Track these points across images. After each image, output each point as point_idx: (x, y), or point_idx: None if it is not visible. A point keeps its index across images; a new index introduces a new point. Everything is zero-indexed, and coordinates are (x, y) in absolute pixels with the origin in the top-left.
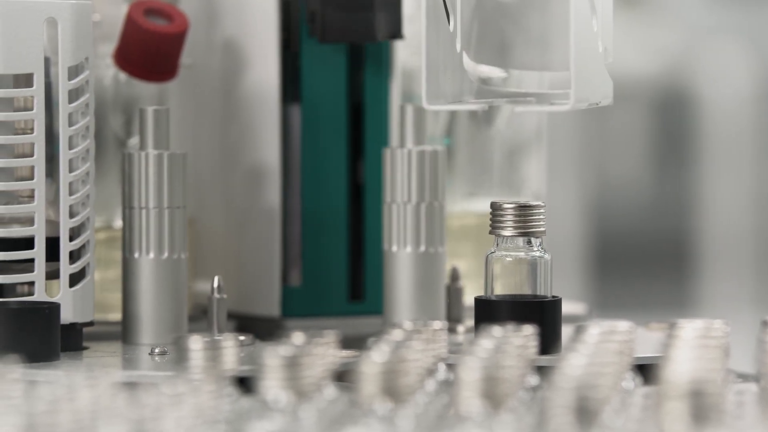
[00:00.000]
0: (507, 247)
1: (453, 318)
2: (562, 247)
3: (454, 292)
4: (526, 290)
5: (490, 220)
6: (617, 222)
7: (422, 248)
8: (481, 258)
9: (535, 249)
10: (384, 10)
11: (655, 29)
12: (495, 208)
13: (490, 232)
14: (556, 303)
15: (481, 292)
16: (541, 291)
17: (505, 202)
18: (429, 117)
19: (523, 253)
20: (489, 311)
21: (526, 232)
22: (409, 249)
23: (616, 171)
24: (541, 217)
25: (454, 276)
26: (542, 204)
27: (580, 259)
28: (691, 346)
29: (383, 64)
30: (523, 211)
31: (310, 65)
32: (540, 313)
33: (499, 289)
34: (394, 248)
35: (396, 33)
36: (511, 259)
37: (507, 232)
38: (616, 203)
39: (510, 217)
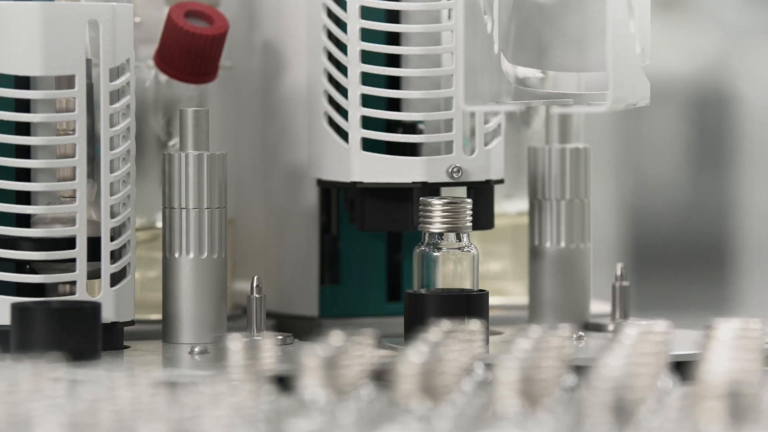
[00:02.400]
0: (436, 242)
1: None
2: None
3: (622, 290)
4: (458, 284)
5: (420, 216)
6: (654, 223)
7: (563, 245)
8: (517, 259)
9: (464, 244)
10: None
11: (692, 30)
12: (424, 204)
13: (419, 228)
14: (482, 296)
15: (521, 293)
16: (473, 285)
17: (434, 198)
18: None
19: (454, 248)
20: (419, 305)
21: (454, 227)
22: (551, 244)
23: (653, 172)
24: (469, 212)
25: (621, 275)
26: (468, 200)
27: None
28: (728, 346)
29: None
30: (451, 207)
31: (349, 249)
32: (467, 307)
33: (433, 283)
34: (541, 244)
35: None
36: (438, 254)
37: (435, 228)
38: (654, 204)
39: (438, 213)
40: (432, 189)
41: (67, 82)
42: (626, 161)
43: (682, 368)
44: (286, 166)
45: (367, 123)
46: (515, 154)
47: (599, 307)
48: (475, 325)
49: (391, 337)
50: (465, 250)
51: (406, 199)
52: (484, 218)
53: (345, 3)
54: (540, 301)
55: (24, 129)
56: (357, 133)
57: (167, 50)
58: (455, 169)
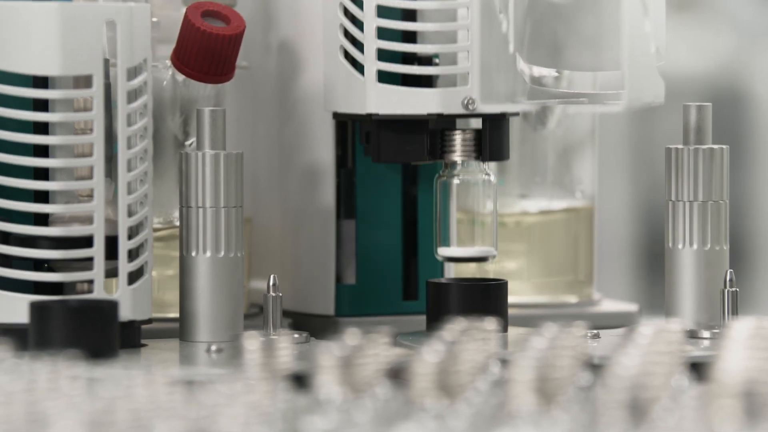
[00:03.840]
0: (455, 172)
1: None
2: (613, 247)
3: (731, 295)
4: (474, 207)
5: (440, 146)
6: None
7: (707, 246)
8: (533, 258)
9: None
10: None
11: (707, 30)
12: (445, 134)
13: (441, 158)
14: (501, 286)
15: (538, 292)
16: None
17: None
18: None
19: (471, 176)
20: (440, 295)
21: (472, 156)
22: (695, 247)
23: None
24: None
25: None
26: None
27: (631, 259)
28: (742, 345)
29: None
30: (471, 136)
31: (366, 182)
32: (486, 296)
33: (452, 210)
34: (680, 246)
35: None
36: (458, 182)
37: (456, 157)
38: None
39: (458, 143)
40: (447, 120)
41: (84, 81)
42: (640, 161)
43: (697, 367)
44: (302, 165)
45: (383, 55)
46: (530, 154)
47: (613, 306)
48: (490, 323)
49: (407, 334)
50: (484, 177)
51: (421, 130)
52: (498, 150)
53: (362, 2)
54: (676, 304)
55: (42, 128)
56: (373, 65)
57: (184, 50)
58: (470, 101)
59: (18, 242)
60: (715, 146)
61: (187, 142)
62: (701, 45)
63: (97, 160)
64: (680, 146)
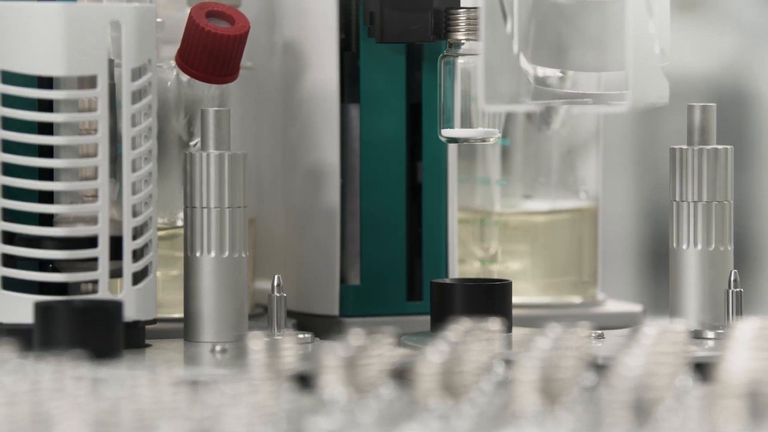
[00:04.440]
0: (459, 51)
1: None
2: (617, 248)
3: (735, 296)
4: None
5: (445, 26)
6: None
7: (711, 247)
8: (537, 258)
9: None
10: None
11: (711, 31)
12: (450, 13)
13: (445, 37)
14: (506, 287)
15: (543, 292)
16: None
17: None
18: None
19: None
20: (444, 295)
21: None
22: (699, 247)
23: None
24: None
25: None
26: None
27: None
28: (747, 345)
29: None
30: (476, 14)
31: (369, 66)
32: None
33: (457, 90)
34: (684, 246)
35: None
36: (463, 61)
37: (461, 36)
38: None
39: (463, 22)
40: None
41: (89, 82)
42: (645, 161)
43: (701, 368)
44: (306, 165)
45: None
46: (534, 155)
47: (617, 306)
48: (494, 324)
49: (411, 335)
50: None
51: (425, 8)
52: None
53: None
54: (681, 305)
55: (47, 129)
56: None
57: (189, 50)
58: None
59: (23, 242)
60: (720, 147)
61: (192, 143)
62: (706, 45)
63: (102, 160)
64: (684, 146)
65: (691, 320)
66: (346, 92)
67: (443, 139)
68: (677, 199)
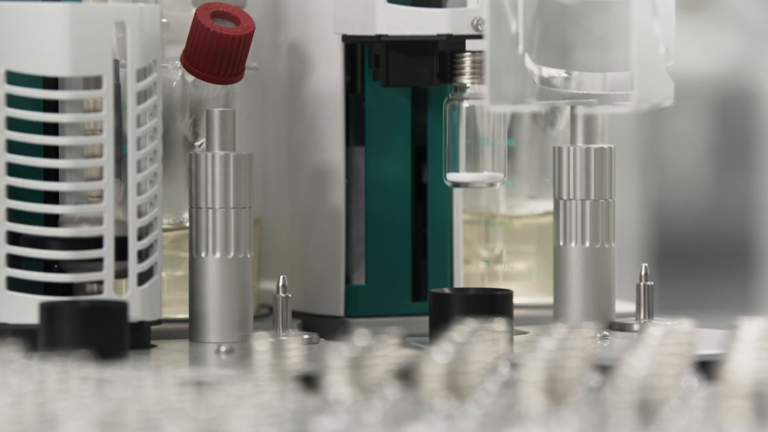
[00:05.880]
0: (464, 95)
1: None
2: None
3: (646, 290)
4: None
5: (450, 69)
6: (678, 222)
7: (589, 244)
8: (542, 259)
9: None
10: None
11: (716, 31)
12: (455, 57)
13: (450, 80)
14: (507, 296)
15: (547, 293)
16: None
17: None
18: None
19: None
20: (444, 305)
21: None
22: (576, 244)
23: (676, 172)
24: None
25: (645, 274)
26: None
27: (641, 260)
28: (752, 345)
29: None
30: (481, 58)
31: (374, 109)
32: (492, 306)
33: (461, 134)
34: (561, 243)
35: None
36: (468, 105)
37: (465, 80)
38: (677, 204)
39: (468, 65)
40: (457, 43)
41: (94, 82)
42: (650, 161)
43: (706, 368)
44: (311, 166)
45: None
46: (539, 155)
47: (624, 306)
48: (499, 325)
49: (416, 336)
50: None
51: (430, 52)
52: None
53: None
54: (565, 301)
55: (52, 129)
56: None
57: (194, 51)
58: (480, 21)
59: (28, 243)
60: (605, 146)
61: (197, 143)
62: (710, 46)
63: (107, 160)
64: (569, 146)
65: (574, 318)
66: (351, 134)
67: (448, 184)
68: (564, 197)
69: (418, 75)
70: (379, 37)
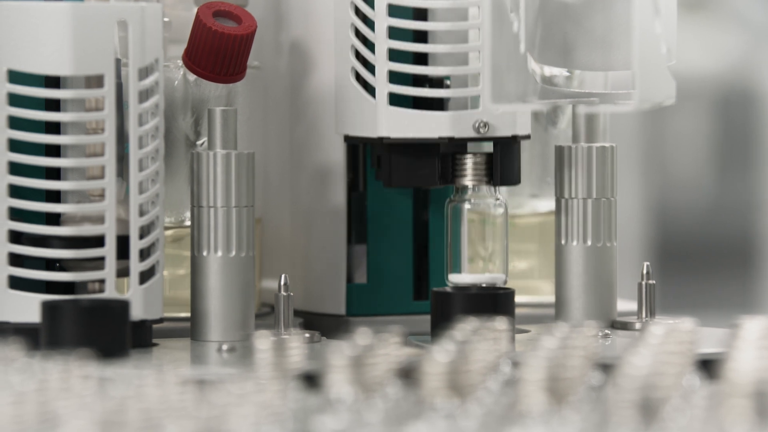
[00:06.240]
0: (466, 196)
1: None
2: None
3: (648, 289)
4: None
5: (452, 170)
6: (680, 221)
7: (591, 242)
8: (544, 257)
9: (493, 196)
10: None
11: (717, 30)
12: (456, 158)
13: (452, 181)
14: (509, 295)
15: (549, 292)
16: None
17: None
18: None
19: (482, 201)
20: (445, 304)
21: (483, 181)
22: (578, 242)
23: (678, 171)
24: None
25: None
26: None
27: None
28: (754, 344)
29: None
30: (482, 160)
31: (376, 207)
32: (494, 305)
33: (463, 235)
34: (563, 242)
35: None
36: (470, 206)
37: (467, 181)
38: (679, 203)
39: (469, 167)
40: (458, 144)
41: (96, 81)
42: (652, 160)
43: (708, 366)
44: (313, 164)
45: (394, 78)
46: (541, 154)
47: (625, 305)
48: (501, 323)
49: (417, 335)
50: (496, 204)
51: (432, 154)
52: (509, 173)
53: (373, 1)
54: (567, 300)
55: (54, 128)
56: (384, 87)
57: (196, 50)
58: (482, 124)
59: (30, 242)
60: (607, 144)
61: (199, 142)
62: (712, 45)
63: (109, 159)
64: (571, 145)
65: (576, 317)
66: (354, 232)
67: (449, 285)
68: (566, 196)
69: (420, 176)
70: (381, 139)
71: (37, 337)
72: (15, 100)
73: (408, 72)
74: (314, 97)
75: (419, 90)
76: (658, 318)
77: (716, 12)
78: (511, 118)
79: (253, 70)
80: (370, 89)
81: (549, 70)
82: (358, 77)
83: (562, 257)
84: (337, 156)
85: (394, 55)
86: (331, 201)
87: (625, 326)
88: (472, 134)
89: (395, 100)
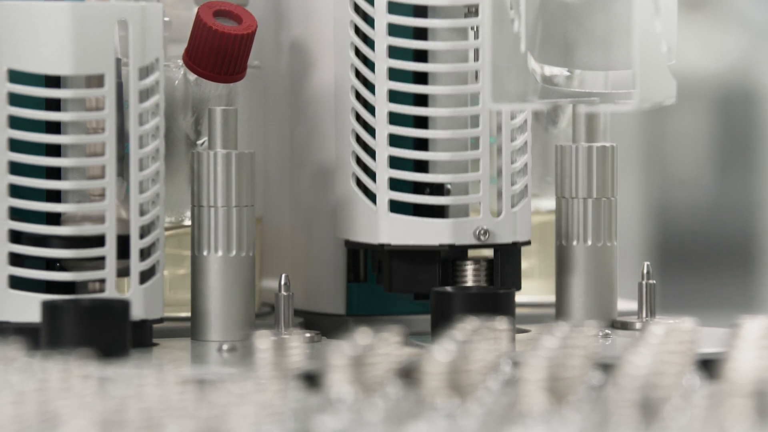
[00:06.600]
0: None
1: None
2: (625, 246)
3: (648, 288)
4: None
5: (452, 276)
6: (680, 221)
7: (591, 242)
8: (544, 257)
9: None
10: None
11: (718, 29)
12: (457, 264)
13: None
14: (509, 295)
15: (549, 291)
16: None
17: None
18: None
19: None
20: (445, 304)
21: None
22: (578, 242)
23: (679, 171)
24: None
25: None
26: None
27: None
28: (754, 344)
29: None
30: (483, 265)
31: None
32: (494, 306)
33: None
34: (563, 241)
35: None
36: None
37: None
38: (680, 202)
39: (470, 273)
40: (459, 251)
41: (96, 81)
42: (652, 160)
43: (708, 366)
44: (313, 164)
45: (395, 185)
46: (541, 154)
47: (626, 305)
48: (501, 323)
49: (417, 334)
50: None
51: (432, 260)
52: (510, 280)
53: (373, 106)
54: (567, 300)
55: (54, 128)
56: (385, 195)
57: (196, 49)
58: (482, 232)
59: (30, 241)
60: (607, 144)
61: (199, 142)
62: (713, 44)
63: (109, 159)
64: (572, 144)
65: (576, 317)
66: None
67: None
68: (566, 195)
69: (420, 282)
70: (382, 246)
71: (37, 337)
72: (15, 99)
73: (408, 179)
74: (314, 97)
75: (420, 197)
76: (659, 318)
77: (716, 12)
78: (511, 225)
79: (253, 69)
80: (371, 196)
81: (549, 70)
82: (359, 183)
83: (563, 257)
84: (337, 155)
85: (396, 163)
86: (331, 200)
87: (625, 326)
88: (472, 241)
89: (396, 207)
